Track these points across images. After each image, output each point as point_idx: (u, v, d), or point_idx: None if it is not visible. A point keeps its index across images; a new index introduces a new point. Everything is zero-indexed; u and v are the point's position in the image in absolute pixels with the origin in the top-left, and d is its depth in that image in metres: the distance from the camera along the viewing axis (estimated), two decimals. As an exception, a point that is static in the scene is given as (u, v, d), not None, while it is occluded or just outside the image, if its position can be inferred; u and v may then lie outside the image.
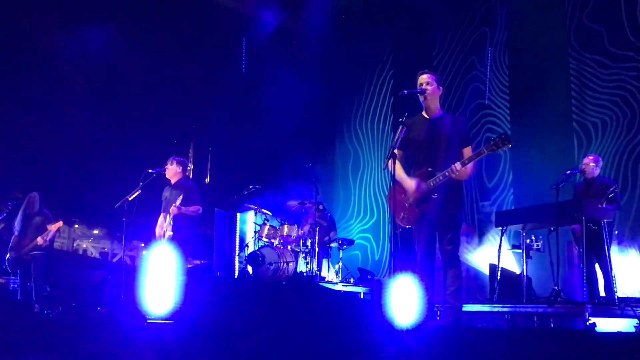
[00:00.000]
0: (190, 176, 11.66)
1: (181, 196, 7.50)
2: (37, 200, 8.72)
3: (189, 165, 11.27)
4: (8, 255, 8.54)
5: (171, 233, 7.43)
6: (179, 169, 7.81)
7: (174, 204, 7.44)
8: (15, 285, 8.90)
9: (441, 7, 11.54)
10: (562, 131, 9.03)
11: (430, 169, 5.16)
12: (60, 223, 8.81)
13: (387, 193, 5.32)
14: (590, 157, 7.60)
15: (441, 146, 5.18)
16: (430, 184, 5.11)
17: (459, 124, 5.34)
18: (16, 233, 8.60)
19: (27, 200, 8.74)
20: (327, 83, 13.25)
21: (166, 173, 7.77)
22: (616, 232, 7.61)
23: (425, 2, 11.40)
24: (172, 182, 7.81)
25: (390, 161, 5.05)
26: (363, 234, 12.56)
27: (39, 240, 8.46)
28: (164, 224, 7.62)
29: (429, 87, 5.26)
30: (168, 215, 7.52)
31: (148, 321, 4.81)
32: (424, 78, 5.31)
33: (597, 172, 7.51)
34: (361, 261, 12.04)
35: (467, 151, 5.21)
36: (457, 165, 4.98)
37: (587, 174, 7.49)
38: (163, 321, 4.85)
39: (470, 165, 5.09)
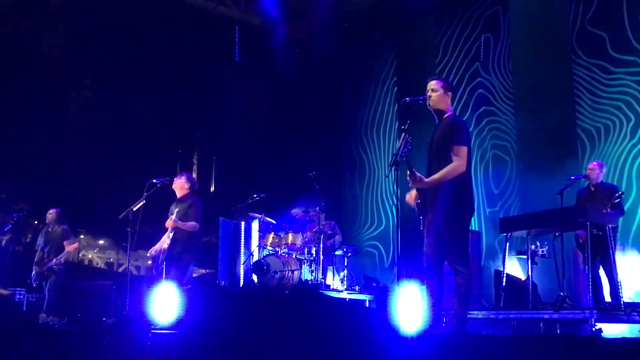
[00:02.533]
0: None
1: (177, 209, 7.54)
2: (54, 216, 9.06)
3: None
4: (33, 271, 8.82)
5: (166, 246, 7.45)
6: (187, 185, 7.77)
7: (170, 217, 7.48)
8: (21, 297, 8.97)
9: (444, 14, 11.56)
10: (566, 136, 9.01)
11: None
12: (77, 244, 9.06)
13: (395, 201, 5.22)
14: (595, 163, 7.57)
15: (432, 151, 5.17)
16: (412, 192, 5.15)
17: (448, 127, 5.15)
18: (39, 248, 8.88)
19: (47, 218, 9.09)
20: (331, 91, 13.27)
21: (173, 185, 7.77)
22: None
23: (427, 9, 11.43)
24: (178, 196, 7.81)
25: (393, 169, 5.03)
26: (372, 242, 12.53)
27: (54, 261, 8.68)
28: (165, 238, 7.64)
29: (433, 94, 5.23)
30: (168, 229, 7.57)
31: (153, 331, 4.81)
32: (430, 85, 5.28)
33: (601, 177, 7.49)
34: (370, 269, 12.00)
35: (455, 150, 5.00)
36: (408, 172, 4.95)
37: (591, 179, 7.47)
38: (168, 331, 4.85)
39: (440, 173, 4.99)
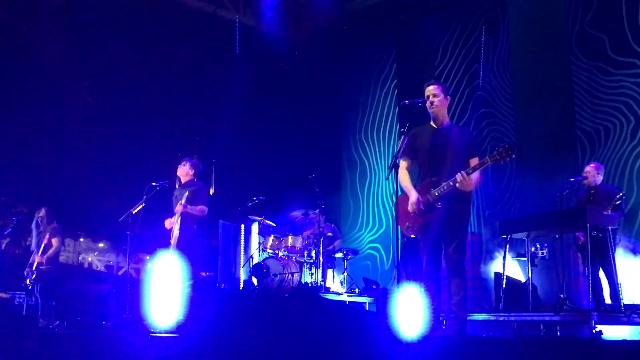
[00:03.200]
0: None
1: (186, 193, 7.50)
2: (44, 215, 8.89)
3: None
4: (26, 273, 8.71)
5: (178, 233, 7.40)
6: (192, 172, 7.78)
7: (179, 202, 7.45)
8: (21, 300, 8.94)
9: (443, 16, 11.56)
10: (566, 138, 9.01)
11: (435, 179, 5.15)
12: (57, 238, 8.92)
13: (394, 202, 5.27)
14: (592, 165, 7.59)
15: (448, 156, 5.18)
16: (435, 193, 5.10)
17: (467, 135, 5.36)
18: (34, 251, 8.81)
19: (36, 217, 8.93)
20: (330, 93, 13.27)
21: (178, 172, 7.78)
22: (619, 240, 7.56)
23: (427, 11, 11.44)
24: (182, 181, 7.80)
25: (392, 171, 5.04)
26: (373, 244, 12.52)
27: (37, 258, 8.56)
28: (173, 222, 7.58)
29: (435, 99, 5.25)
30: (176, 214, 7.53)
31: (152, 334, 4.80)
32: (430, 89, 5.30)
33: (599, 179, 7.50)
34: (371, 271, 12.00)
35: (475, 162, 5.18)
36: (461, 174, 4.97)
37: (589, 181, 7.48)
38: (167, 334, 4.84)
39: (475, 176, 5.07)
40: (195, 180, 7.84)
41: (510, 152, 4.93)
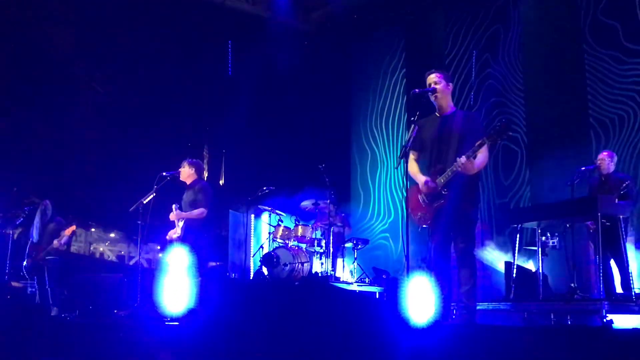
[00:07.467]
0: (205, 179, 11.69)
1: (186, 196, 7.63)
2: (49, 207, 8.95)
3: (204, 170, 11.16)
4: (25, 262, 8.76)
5: (180, 233, 7.46)
6: (192, 171, 7.81)
7: (172, 213, 7.55)
8: (33, 290, 9.02)
9: (453, 4, 11.49)
10: (578, 127, 8.94)
11: (440, 166, 5.15)
12: (74, 227, 8.99)
13: (404, 193, 5.25)
14: (605, 153, 7.53)
15: (452, 143, 5.17)
16: (441, 180, 5.10)
17: (471, 120, 5.32)
18: (33, 240, 8.83)
19: (41, 208, 8.94)
20: (340, 83, 13.24)
21: (180, 176, 7.81)
22: (632, 234, 7.50)
23: (436, 0, 11.38)
24: (187, 183, 7.85)
25: (402, 160, 5.02)
26: (383, 234, 12.51)
27: (55, 243, 8.63)
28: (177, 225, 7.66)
29: (438, 86, 5.25)
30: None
31: (164, 323, 4.84)
32: (432, 77, 5.32)
33: (612, 167, 7.43)
34: (383, 261, 12.00)
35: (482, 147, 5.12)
36: (462, 158, 4.95)
37: (602, 169, 7.42)
38: (179, 323, 4.88)
39: (478, 159, 5.04)
40: (198, 179, 7.90)
41: (507, 129, 4.90)
